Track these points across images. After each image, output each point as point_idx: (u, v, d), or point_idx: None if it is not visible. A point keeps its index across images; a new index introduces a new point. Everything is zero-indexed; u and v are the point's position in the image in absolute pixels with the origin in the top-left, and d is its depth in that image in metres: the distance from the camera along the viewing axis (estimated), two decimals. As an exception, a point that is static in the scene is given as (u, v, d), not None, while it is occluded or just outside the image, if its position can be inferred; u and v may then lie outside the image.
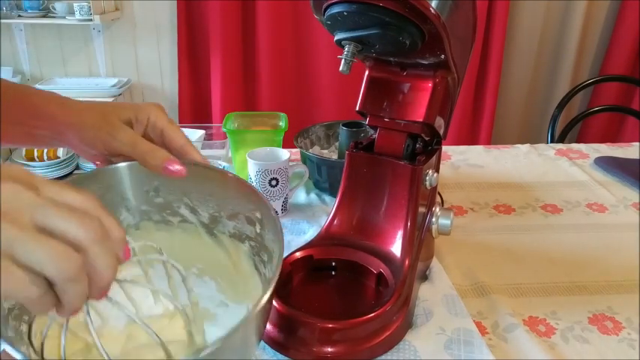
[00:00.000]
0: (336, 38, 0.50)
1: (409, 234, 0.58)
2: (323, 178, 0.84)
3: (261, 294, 0.35)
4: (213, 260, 0.51)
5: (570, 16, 2.19)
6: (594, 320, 0.57)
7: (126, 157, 0.45)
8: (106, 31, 2.20)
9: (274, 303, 0.51)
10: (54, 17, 2.06)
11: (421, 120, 0.56)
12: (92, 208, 0.30)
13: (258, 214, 0.46)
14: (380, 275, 0.57)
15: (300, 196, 0.87)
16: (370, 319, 0.51)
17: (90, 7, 1.96)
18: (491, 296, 0.60)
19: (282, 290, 0.55)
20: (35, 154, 2.04)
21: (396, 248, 0.58)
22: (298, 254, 0.60)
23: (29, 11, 2.06)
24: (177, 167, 0.43)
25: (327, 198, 0.86)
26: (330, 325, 0.50)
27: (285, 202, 0.79)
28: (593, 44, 2.31)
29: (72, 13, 2.02)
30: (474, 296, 0.61)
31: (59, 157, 2.07)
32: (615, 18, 2.21)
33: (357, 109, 0.60)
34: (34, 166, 2.03)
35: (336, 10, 0.47)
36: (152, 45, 2.23)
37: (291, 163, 0.79)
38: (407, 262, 0.57)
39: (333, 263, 0.61)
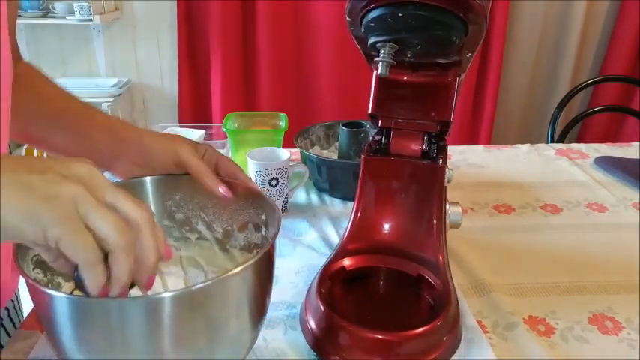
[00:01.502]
0: (373, 40, 0.49)
1: (439, 231, 0.58)
2: (323, 178, 0.84)
3: None
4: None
5: (570, 16, 2.19)
6: (594, 320, 0.57)
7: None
8: (106, 31, 2.20)
9: (325, 312, 0.50)
10: (54, 17, 2.06)
11: (450, 119, 0.56)
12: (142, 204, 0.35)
13: (263, 217, 0.49)
14: (420, 277, 0.56)
15: (300, 196, 0.87)
16: (428, 331, 0.49)
17: (90, 7, 1.96)
18: (492, 295, 0.60)
19: (330, 300, 0.53)
20: (35, 153, 2.04)
21: (428, 248, 0.58)
22: (331, 267, 0.58)
23: (29, 11, 2.05)
24: (226, 191, 0.49)
25: (327, 198, 0.86)
26: (390, 338, 0.48)
27: (285, 202, 0.79)
28: (593, 44, 2.31)
29: (72, 13, 2.01)
30: (475, 295, 0.61)
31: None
32: (615, 18, 2.21)
33: (370, 112, 0.60)
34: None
35: (386, 11, 0.45)
36: (152, 45, 2.23)
37: (291, 163, 0.79)
38: (441, 259, 0.57)
39: (368, 272, 0.59)
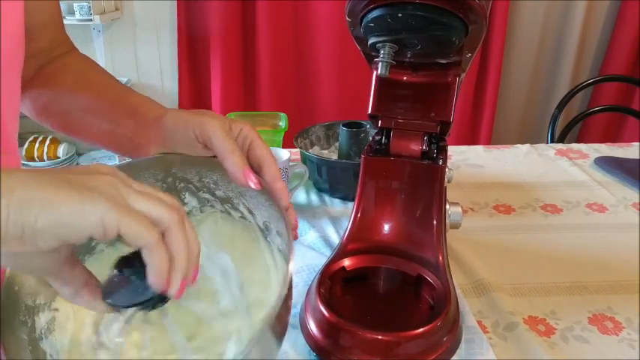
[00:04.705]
0: (373, 41, 0.48)
1: (438, 232, 0.58)
2: (323, 178, 0.84)
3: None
4: (263, 273, 0.46)
5: (570, 16, 2.19)
6: (594, 320, 0.57)
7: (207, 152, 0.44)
8: (106, 31, 2.20)
9: (325, 313, 0.50)
10: (54, 17, 2.05)
11: (450, 119, 0.56)
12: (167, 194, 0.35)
13: (283, 238, 0.43)
14: (419, 278, 0.56)
15: (300, 196, 0.87)
16: (429, 331, 0.49)
17: (90, 7, 1.96)
18: (492, 295, 0.60)
19: (330, 300, 0.53)
20: (35, 153, 2.04)
21: (428, 248, 0.58)
22: (331, 267, 0.58)
23: (29, 11, 2.05)
24: (252, 180, 0.42)
25: (327, 198, 0.86)
26: (390, 339, 0.48)
27: (285, 202, 0.79)
28: (593, 44, 2.31)
29: (72, 13, 2.01)
30: (475, 295, 0.61)
31: (59, 157, 2.07)
32: (615, 18, 2.21)
33: (370, 112, 0.60)
34: (34, 167, 2.03)
35: (385, 11, 0.45)
36: (152, 45, 2.23)
37: (291, 163, 0.79)
38: (441, 260, 0.57)
39: (368, 272, 0.59)
